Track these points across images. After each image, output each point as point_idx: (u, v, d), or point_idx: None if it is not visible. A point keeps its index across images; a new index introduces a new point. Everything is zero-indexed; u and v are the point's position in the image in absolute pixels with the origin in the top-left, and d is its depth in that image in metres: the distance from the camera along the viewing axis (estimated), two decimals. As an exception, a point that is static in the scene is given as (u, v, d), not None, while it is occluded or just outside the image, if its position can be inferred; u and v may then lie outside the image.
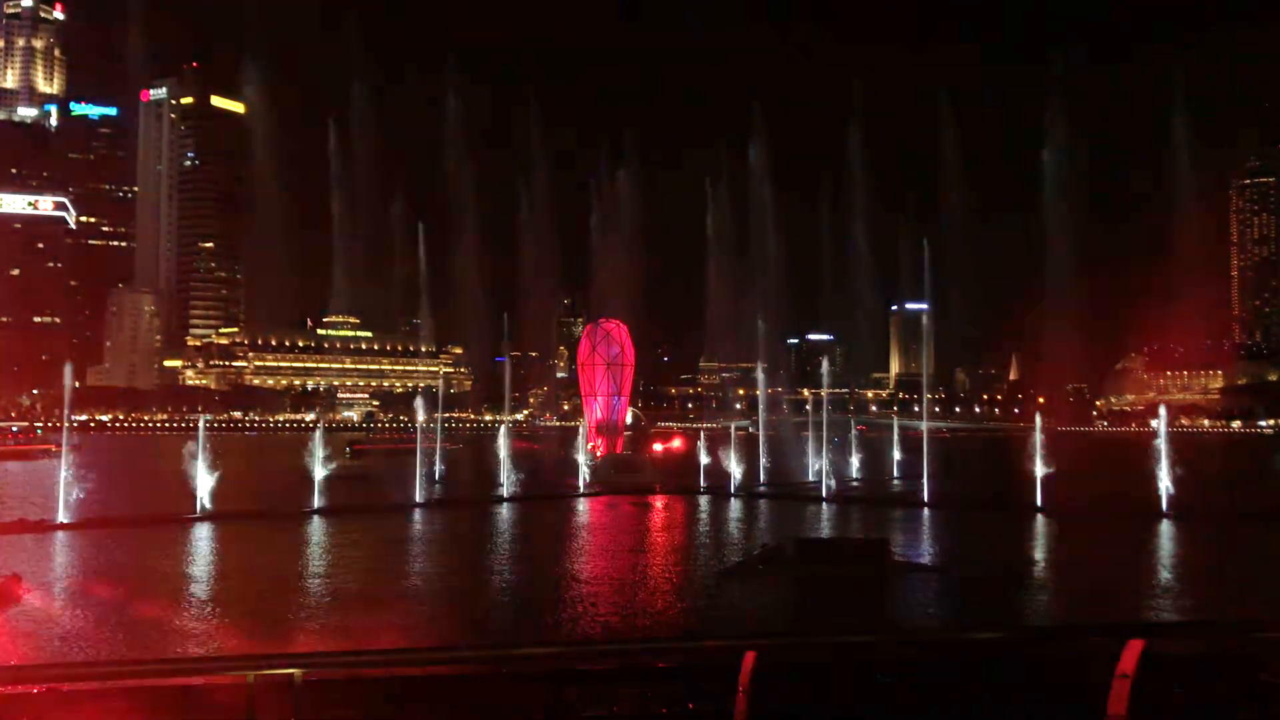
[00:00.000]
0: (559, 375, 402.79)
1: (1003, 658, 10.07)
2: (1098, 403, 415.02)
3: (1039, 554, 57.04)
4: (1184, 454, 74.57)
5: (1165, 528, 63.68)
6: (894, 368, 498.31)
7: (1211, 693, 9.59)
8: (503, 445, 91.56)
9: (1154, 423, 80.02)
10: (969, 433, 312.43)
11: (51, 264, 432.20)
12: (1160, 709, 9.10)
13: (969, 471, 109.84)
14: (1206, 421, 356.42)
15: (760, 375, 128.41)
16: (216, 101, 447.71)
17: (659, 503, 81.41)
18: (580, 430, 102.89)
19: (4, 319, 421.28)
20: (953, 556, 53.46)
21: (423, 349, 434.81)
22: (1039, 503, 71.43)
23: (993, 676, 9.79)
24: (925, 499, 77.79)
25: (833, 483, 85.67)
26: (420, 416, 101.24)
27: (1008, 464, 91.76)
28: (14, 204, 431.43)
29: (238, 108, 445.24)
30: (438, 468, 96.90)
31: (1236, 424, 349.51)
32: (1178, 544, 59.35)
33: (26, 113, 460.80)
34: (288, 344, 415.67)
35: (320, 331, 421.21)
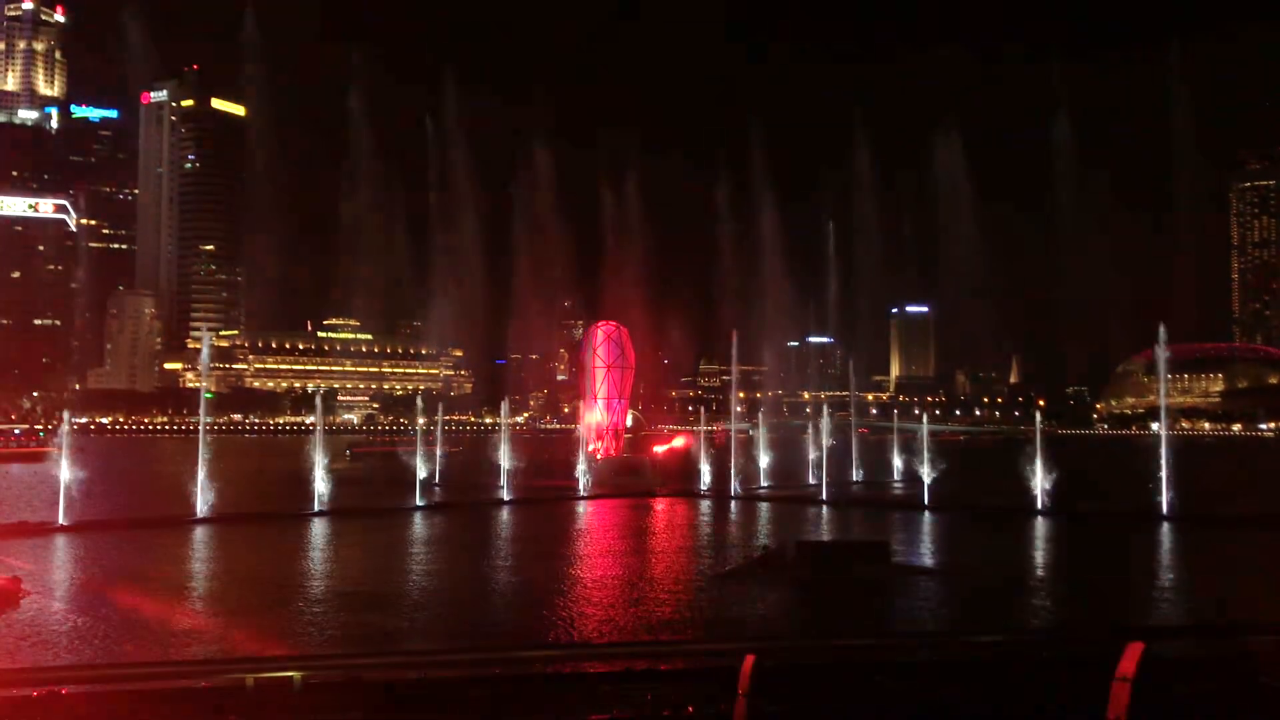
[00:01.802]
0: (559, 378, 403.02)
1: (1003, 660, 10.07)
2: (1098, 405, 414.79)
3: (1039, 557, 56.99)
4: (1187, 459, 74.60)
5: (1166, 531, 63.68)
6: (894, 370, 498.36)
7: (1210, 694, 9.59)
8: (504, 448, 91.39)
9: (1154, 426, 79.97)
10: (971, 435, 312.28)
11: (52, 266, 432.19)
12: (1160, 711, 9.10)
13: (970, 475, 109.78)
14: (1207, 425, 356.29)
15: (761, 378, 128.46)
16: (217, 104, 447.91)
17: (659, 505, 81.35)
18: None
19: (4, 321, 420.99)
20: (953, 559, 53.45)
21: (423, 351, 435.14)
22: (1040, 506, 71.42)
23: (993, 679, 9.79)
24: (926, 502, 77.69)
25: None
26: (420, 419, 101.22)
27: (1009, 467, 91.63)
28: (15, 206, 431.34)
29: (238, 110, 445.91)
30: (438, 470, 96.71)
31: (1237, 427, 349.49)
32: (1178, 547, 59.32)
33: (27, 115, 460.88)
34: (288, 346, 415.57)
35: (320, 334, 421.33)
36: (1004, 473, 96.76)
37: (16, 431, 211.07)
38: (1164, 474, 68.14)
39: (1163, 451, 69.48)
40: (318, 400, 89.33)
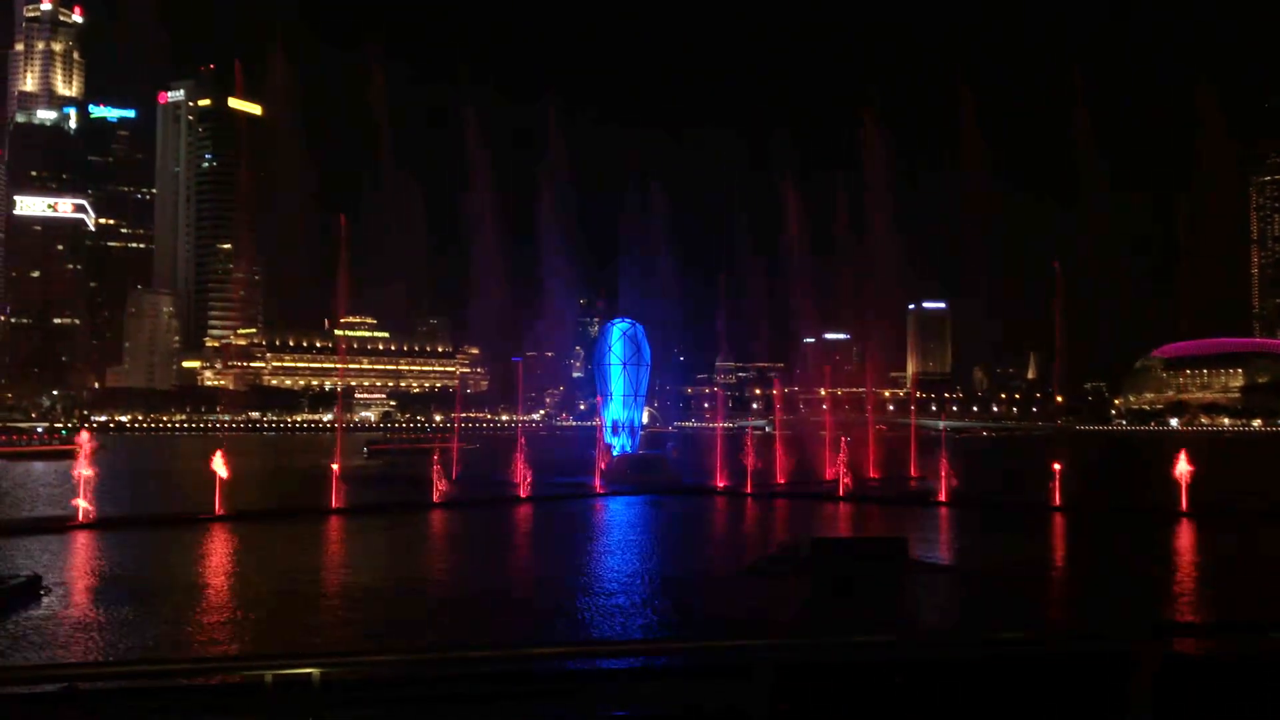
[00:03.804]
0: (575, 375, 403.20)
1: (1021, 659, 10.00)
2: (1116, 401, 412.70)
3: (1059, 554, 56.75)
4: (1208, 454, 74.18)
5: (1184, 527, 63.31)
6: (911, 367, 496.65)
7: (1232, 694, 9.50)
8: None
9: (1173, 422, 79.54)
10: (993, 432, 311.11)
11: (71, 265, 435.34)
12: (1181, 711, 9.02)
13: (988, 471, 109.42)
14: (1227, 420, 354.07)
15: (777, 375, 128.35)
16: (234, 103, 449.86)
17: (675, 502, 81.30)
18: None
19: (24, 320, 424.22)
20: (971, 556, 53.28)
21: (439, 349, 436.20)
22: (1057, 502, 71.12)
23: (1013, 677, 9.73)
24: (944, 498, 77.45)
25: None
26: (437, 417, 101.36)
27: (1027, 464, 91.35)
28: (34, 206, 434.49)
29: (255, 109, 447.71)
30: (455, 467, 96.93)
31: (1257, 423, 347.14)
32: (1197, 544, 58.95)
33: (46, 115, 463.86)
34: (305, 344, 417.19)
35: (338, 332, 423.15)
36: (1021, 469, 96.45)
37: (39, 430, 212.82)
38: (1183, 470, 67.79)
39: (1182, 447, 69.19)
40: (337, 398, 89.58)
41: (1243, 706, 9.38)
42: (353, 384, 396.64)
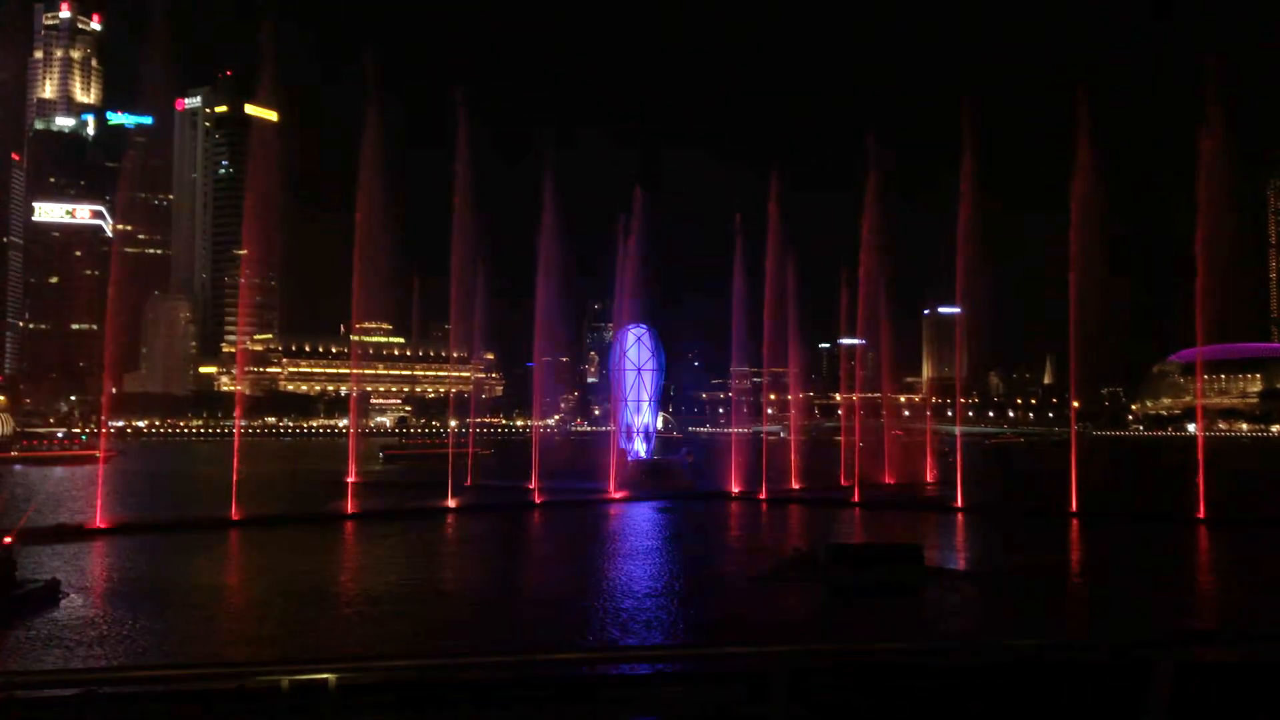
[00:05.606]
0: (590, 380, 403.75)
1: (1036, 665, 9.98)
2: (1133, 406, 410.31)
3: (1074, 560, 56.46)
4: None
5: (1202, 533, 62.95)
6: (926, 371, 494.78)
7: (1249, 703, 9.46)
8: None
9: (1190, 427, 78.93)
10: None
11: (89, 271, 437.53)
12: (1197, 718, 8.99)
13: (1004, 477, 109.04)
14: (1245, 426, 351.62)
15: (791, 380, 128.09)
16: (250, 110, 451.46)
17: (690, 507, 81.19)
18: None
19: (43, 326, 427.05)
20: (986, 562, 53.06)
21: (454, 354, 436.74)
22: (1075, 507, 70.74)
23: (1028, 684, 9.71)
24: (959, 504, 77.17)
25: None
26: (452, 422, 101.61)
27: (1041, 469, 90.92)
28: (52, 213, 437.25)
29: (271, 116, 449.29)
30: (470, 472, 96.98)
31: (1276, 428, 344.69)
32: (1215, 551, 58.61)
33: (64, 122, 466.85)
34: (321, 350, 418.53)
35: (353, 337, 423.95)
36: (1037, 474, 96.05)
37: (59, 434, 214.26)
38: (1200, 476, 67.43)
39: (1199, 453, 68.80)
40: (351, 403, 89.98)
41: (1260, 715, 9.33)
42: (368, 389, 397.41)
